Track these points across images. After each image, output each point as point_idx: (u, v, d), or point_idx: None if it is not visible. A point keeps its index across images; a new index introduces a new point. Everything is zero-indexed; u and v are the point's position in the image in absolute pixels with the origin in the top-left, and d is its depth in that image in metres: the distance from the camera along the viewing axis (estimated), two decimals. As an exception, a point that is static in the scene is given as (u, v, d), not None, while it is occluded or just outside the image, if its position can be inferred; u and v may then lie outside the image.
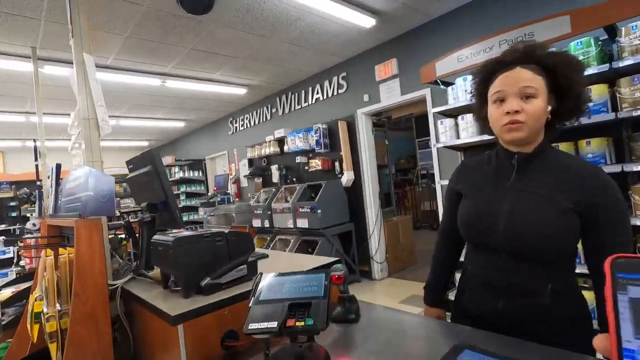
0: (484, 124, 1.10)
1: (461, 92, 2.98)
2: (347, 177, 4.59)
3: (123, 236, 1.63)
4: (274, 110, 6.02)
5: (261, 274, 0.97)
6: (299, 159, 5.32)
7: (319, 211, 4.19)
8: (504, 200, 0.97)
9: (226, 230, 1.16)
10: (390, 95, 4.23)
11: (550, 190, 0.92)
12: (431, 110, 3.67)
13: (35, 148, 3.74)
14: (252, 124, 6.52)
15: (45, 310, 1.11)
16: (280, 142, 5.67)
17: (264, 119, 6.24)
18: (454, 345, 0.88)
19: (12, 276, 6.74)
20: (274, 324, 0.77)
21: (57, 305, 1.11)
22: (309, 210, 4.29)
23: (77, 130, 1.31)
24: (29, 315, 1.12)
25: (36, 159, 3.54)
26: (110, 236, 1.46)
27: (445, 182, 3.19)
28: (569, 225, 0.88)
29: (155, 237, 1.16)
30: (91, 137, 1.36)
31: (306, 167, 5.28)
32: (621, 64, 2.19)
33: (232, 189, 6.93)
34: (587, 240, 0.92)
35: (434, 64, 3.04)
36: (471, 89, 1.13)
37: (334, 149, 4.91)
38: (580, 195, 0.89)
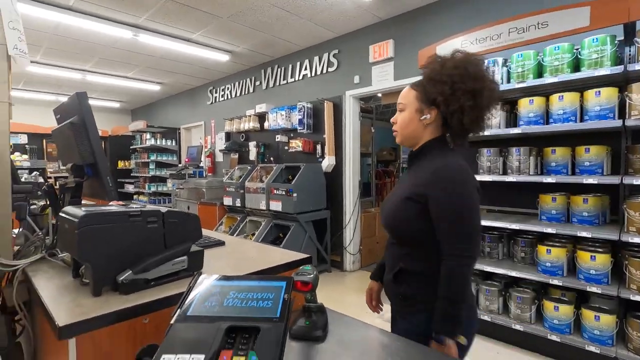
0: None
1: (460, 82, 2.74)
2: (328, 162, 4.33)
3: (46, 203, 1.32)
4: (257, 83, 5.63)
5: (199, 274, 0.71)
6: (279, 138, 5.00)
7: (295, 195, 3.93)
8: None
9: (163, 209, 0.88)
10: (383, 79, 3.96)
11: (409, 182, 1.07)
12: (424, 99, 3.43)
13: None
14: (233, 95, 6.10)
15: None
16: (261, 117, 5.31)
17: (246, 92, 5.84)
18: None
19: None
20: (200, 359, 0.51)
21: None
22: (284, 193, 4.02)
23: (-24, 57, 0.97)
24: None
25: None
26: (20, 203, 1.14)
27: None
28: (408, 210, 1.02)
29: (64, 210, 0.87)
30: (-3, 70, 1.02)
31: (286, 147, 4.97)
32: (637, 67, 2.01)
33: (205, 162, 6.54)
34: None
35: (435, 47, 2.79)
36: None
37: (317, 130, 4.62)
38: (419, 187, 1.01)
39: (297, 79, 4.97)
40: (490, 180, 2.60)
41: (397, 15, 3.82)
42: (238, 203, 4.58)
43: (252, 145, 5.45)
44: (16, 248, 1.10)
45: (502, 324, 2.48)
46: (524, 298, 2.41)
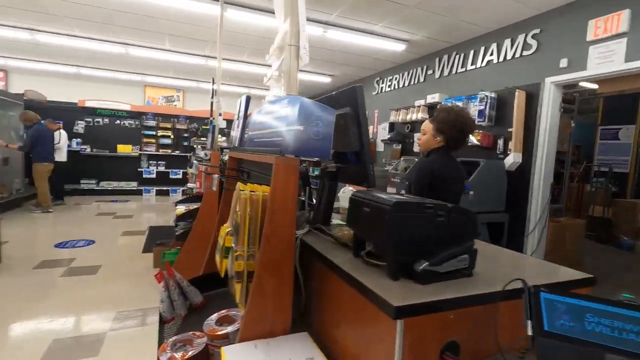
0: None
1: None
2: (512, 159, 3.82)
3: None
4: (429, 72, 5.39)
5: (523, 282, 0.65)
6: (451, 130, 4.69)
7: (471, 192, 3.62)
8: None
9: (449, 205, 0.86)
10: (606, 61, 3.18)
11: None
12: (680, 86, 2.58)
13: (213, 89, 4.16)
14: (401, 85, 6.04)
15: (234, 247, 1.04)
16: (432, 108, 5.09)
17: (416, 81, 5.68)
18: None
19: (180, 194, 8.16)
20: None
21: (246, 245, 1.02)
22: (457, 189, 3.76)
23: (280, 58, 1.17)
24: (219, 249, 1.07)
25: (212, 97, 3.94)
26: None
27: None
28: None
29: (358, 194, 0.95)
30: (290, 67, 1.20)
31: (457, 140, 4.63)
32: None
33: (366, 151, 6.74)
34: None
35: None
36: None
37: (499, 123, 4.12)
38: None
39: (478, 65, 4.52)
40: None
41: (640, -24, 2.96)
42: (403, 194, 4.55)
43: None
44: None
45: None
46: None
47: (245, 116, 1.51)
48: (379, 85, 6.69)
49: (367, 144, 1.12)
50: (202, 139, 8.70)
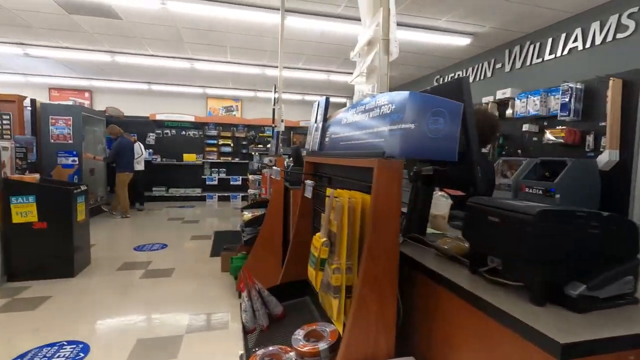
0: None
1: None
2: (607, 158, 3.34)
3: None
4: (498, 65, 4.99)
5: None
6: (526, 127, 4.26)
7: (558, 196, 3.22)
8: None
9: (604, 213, 0.70)
10: None
11: None
12: None
13: (274, 97, 4.23)
14: (464, 82, 5.67)
15: (329, 259, 0.96)
16: (503, 105, 4.68)
17: (482, 77, 5.29)
18: None
19: (240, 200, 8.39)
20: None
21: (345, 257, 0.94)
22: (540, 192, 3.38)
23: (372, 53, 1.08)
24: (314, 260, 1.00)
25: (274, 104, 4.00)
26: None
27: None
28: None
29: (480, 200, 0.82)
30: (381, 62, 1.10)
31: (534, 138, 4.19)
32: None
33: (427, 153, 6.44)
34: None
35: None
36: None
37: (587, 117, 3.64)
38: None
39: (558, 54, 4.07)
40: None
41: None
42: (473, 199, 4.22)
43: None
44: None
45: None
46: None
47: (325, 119, 1.45)
48: (438, 83, 6.35)
49: (475, 143, 0.98)
50: (259, 146, 8.98)
